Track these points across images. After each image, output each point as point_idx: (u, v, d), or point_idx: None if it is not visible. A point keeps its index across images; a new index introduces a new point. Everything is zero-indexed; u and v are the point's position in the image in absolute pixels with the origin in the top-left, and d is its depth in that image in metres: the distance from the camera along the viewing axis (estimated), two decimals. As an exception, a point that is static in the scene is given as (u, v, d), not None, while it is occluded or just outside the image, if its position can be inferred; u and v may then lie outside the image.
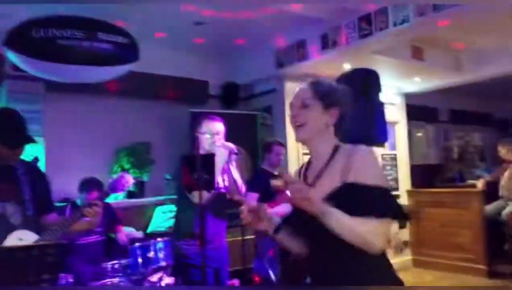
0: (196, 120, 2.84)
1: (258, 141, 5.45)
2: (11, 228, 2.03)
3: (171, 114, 5.32)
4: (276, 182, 4.19)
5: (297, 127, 1.51)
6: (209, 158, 2.27)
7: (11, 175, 2.11)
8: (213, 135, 2.70)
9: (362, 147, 1.48)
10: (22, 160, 2.22)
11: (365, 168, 1.42)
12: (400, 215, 1.44)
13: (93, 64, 3.57)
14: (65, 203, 3.99)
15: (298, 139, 1.54)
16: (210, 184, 2.28)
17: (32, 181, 2.15)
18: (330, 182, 1.44)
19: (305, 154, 5.48)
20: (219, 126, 2.76)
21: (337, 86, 1.61)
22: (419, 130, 8.08)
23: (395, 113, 6.35)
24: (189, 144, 4.86)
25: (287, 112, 5.33)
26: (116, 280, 3.31)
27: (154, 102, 5.28)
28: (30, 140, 2.15)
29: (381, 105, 3.88)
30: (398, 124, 6.48)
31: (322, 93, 1.53)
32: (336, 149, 1.53)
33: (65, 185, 4.43)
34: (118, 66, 3.68)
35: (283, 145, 4.07)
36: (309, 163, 1.61)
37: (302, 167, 1.64)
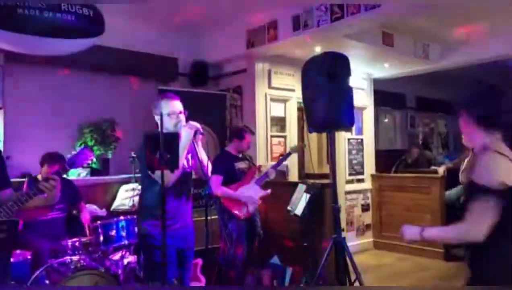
0: (155, 101, 2.75)
1: (226, 122, 5.42)
2: None
3: (138, 91, 5.19)
4: (241, 165, 4.21)
5: (466, 142, 1.88)
6: (173, 137, 2.22)
7: None
8: (177, 115, 2.64)
9: (488, 151, 1.71)
10: None
11: (480, 169, 1.68)
12: None
13: (55, 36, 3.41)
14: (24, 179, 3.86)
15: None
16: (173, 163, 2.23)
17: None
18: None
19: (273, 136, 5.50)
20: (180, 105, 2.70)
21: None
22: (386, 115, 8.24)
23: (363, 98, 6.43)
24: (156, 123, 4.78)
25: (257, 92, 5.34)
26: (76, 257, 3.25)
27: (121, 78, 5.14)
28: None
29: (349, 89, 3.91)
30: (366, 109, 6.58)
31: (477, 114, 1.80)
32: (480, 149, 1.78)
33: (25, 160, 4.29)
34: (81, 39, 3.53)
35: (254, 133, 4.10)
36: None
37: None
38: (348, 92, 3.90)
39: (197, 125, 2.64)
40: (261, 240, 4.21)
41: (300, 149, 4.61)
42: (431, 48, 5.68)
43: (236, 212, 3.72)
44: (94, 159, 4.61)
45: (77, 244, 3.42)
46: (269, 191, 3.93)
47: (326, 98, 3.79)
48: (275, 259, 4.50)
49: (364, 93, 6.46)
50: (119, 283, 3.19)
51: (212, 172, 3.13)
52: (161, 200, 2.17)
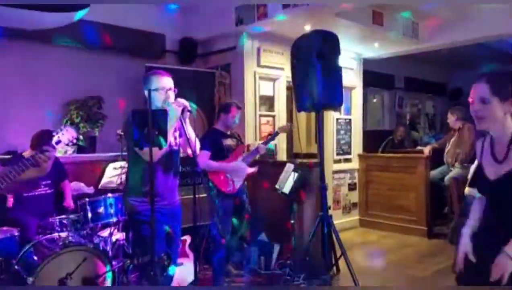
0: (144, 77, 2.73)
1: (215, 100, 5.39)
2: None
3: (126, 68, 5.12)
4: (229, 142, 4.21)
5: (477, 118, 1.79)
6: (161, 114, 2.21)
7: None
8: (166, 91, 2.63)
9: None
10: None
11: None
12: None
13: (39, 10, 3.33)
14: (9, 156, 3.83)
15: (479, 128, 1.81)
16: (161, 140, 2.23)
17: None
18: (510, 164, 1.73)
19: (261, 115, 5.50)
20: (170, 82, 2.68)
21: (509, 78, 1.81)
22: (375, 96, 8.28)
23: (352, 78, 6.44)
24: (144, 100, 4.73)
25: (246, 71, 5.31)
26: (64, 234, 3.26)
27: (108, 55, 5.06)
28: None
29: (338, 69, 3.91)
30: (355, 89, 6.59)
31: (499, 88, 1.75)
32: None
33: (9, 138, 4.24)
34: (67, 12, 3.46)
35: (240, 108, 4.07)
36: (492, 139, 1.87)
37: (485, 139, 1.90)
38: (337, 72, 3.91)
39: (185, 102, 2.62)
40: (250, 217, 4.25)
41: (289, 129, 4.62)
42: (421, 28, 5.68)
43: (223, 188, 3.74)
44: (81, 137, 4.57)
45: (65, 221, 3.43)
46: (256, 169, 3.94)
47: (315, 77, 3.80)
48: (262, 236, 4.57)
49: (353, 73, 6.46)
50: (108, 259, 3.21)
51: (200, 148, 3.14)
52: (150, 177, 2.17)
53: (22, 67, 4.51)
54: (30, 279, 2.81)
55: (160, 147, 2.29)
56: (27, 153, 3.69)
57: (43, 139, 3.61)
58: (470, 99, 1.82)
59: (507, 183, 1.74)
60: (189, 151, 2.72)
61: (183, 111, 2.61)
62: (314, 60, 3.82)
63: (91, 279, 3.07)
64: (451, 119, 5.74)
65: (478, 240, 1.87)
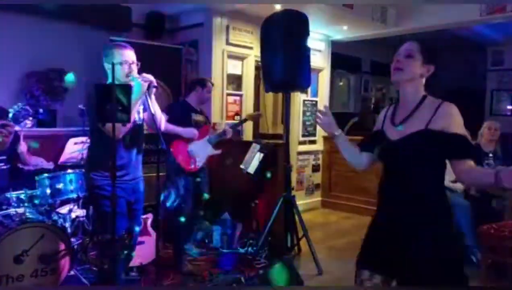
0: (106, 49, 2.63)
1: (181, 77, 5.29)
2: None
3: (89, 40, 4.92)
4: (198, 117, 4.16)
5: (396, 70, 1.81)
6: (125, 89, 2.15)
7: None
8: (129, 65, 2.55)
9: (449, 103, 1.76)
10: None
11: (452, 119, 1.71)
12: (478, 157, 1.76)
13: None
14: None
15: (393, 80, 1.84)
16: (125, 116, 2.17)
17: None
18: (413, 126, 1.76)
19: (228, 94, 5.45)
20: (133, 55, 2.60)
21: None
22: (341, 78, 8.36)
23: (320, 60, 6.46)
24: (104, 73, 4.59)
25: (214, 48, 5.22)
26: (21, 210, 3.15)
27: (71, 26, 4.83)
28: None
29: (307, 50, 3.92)
30: (322, 71, 6.63)
31: (426, 49, 1.82)
32: (424, 99, 1.80)
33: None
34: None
35: (213, 84, 4.03)
36: (396, 107, 1.91)
37: (389, 108, 1.96)
38: (305, 53, 3.92)
39: (151, 77, 2.56)
40: (212, 197, 4.25)
41: (257, 118, 4.59)
42: (389, 13, 5.75)
43: (185, 166, 3.70)
44: (41, 110, 4.40)
45: (22, 196, 3.32)
46: (219, 151, 3.91)
47: (283, 58, 3.79)
48: (226, 215, 4.59)
49: (321, 55, 6.48)
50: (67, 236, 3.14)
51: (168, 120, 3.06)
52: (112, 153, 2.12)
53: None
54: (-17, 256, 2.71)
55: (124, 123, 2.23)
56: None
57: None
58: (396, 57, 1.85)
59: (409, 145, 1.75)
60: (154, 128, 2.67)
61: (149, 86, 2.55)
62: (283, 40, 3.81)
63: (48, 257, 2.99)
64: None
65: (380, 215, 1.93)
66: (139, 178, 2.81)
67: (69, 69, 4.71)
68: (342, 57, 7.45)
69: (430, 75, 1.83)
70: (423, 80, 1.83)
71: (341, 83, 8.41)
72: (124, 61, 2.52)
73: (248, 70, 5.63)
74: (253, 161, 4.14)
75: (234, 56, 5.46)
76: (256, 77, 5.78)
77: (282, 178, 4.17)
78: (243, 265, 3.88)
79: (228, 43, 5.32)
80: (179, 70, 5.26)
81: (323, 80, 6.70)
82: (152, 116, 2.55)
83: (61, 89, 4.63)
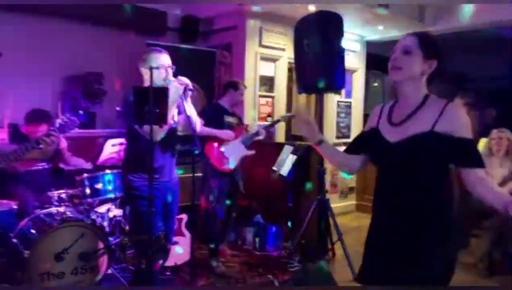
0: (143, 54, 2.69)
1: (215, 79, 5.34)
2: None
3: (126, 44, 5.05)
4: (231, 119, 4.16)
5: (394, 69, 1.65)
6: (162, 92, 2.19)
7: None
8: (166, 69, 2.60)
9: (455, 103, 1.62)
10: None
11: (460, 122, 1.56)
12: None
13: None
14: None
15: (391, 79, 1.67)
16: (162, 119, 2.21)
17: None
18: (417, 127, 1.59)
19: (261, 96, 5.46)
20: (168, 59, 2.65)
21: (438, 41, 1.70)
22: (376, 79, 8.21)
23: (354, 60, 6.38)
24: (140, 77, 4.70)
25: (247, 51, 5.24)
26: (62, 209, 3.26)
27: (108, 30, 4.98)
28: None
29: (341, 51, 3.87)
30: (357, 72, 6.54)
31: (426, 43, 1.64)
32: (426, 98, 1.64)
33: (8, 109, 4.21)
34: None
35: (246, 87, 4.06)
36: (394, 105, 1.75)
37: (384, 106, 1.79)
38: (340, 54, 3.86)
39: (187, 81, 2.60)
40: (245, 199, 4.26)
41: (290, 120, 4.54)
42: (427, 12, 5.60)
43: (218, 166, 3.73)
44: (81, 112, 4.53)
45: (63, 195, 3.43)
46: (253, 152, 3.92)
47: (317, 59, 3.76)
48: (259, 218, 4.59)
49: (355, 55, 6.40)
50: (105, 235, 3.22)
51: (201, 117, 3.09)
52: (149, 154, 2.16)
53: (23, 40, 4.44)
54: (26, 253, 2.82)
55: (161, 125, 2.27)
56: (29, 132, 3.66)
57: (39, 118, 3.59)
58: (393, 53, 1.67)
59: (411, 148, 1.58)
60: (190, 131, 2.71)
61: (184, 89, 2.59)
62: (317, 41, 3.78)
63: (88, 255, 3.08)
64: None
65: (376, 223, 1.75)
66: (174, 179, 2.86)
67: (107, 72, 4.85)
68: (377, 58, 7.31)
69: (434, 71, 1.65)
70: (425, 78, 1.66)
71: (375, 84, 8.25)
72: (161, 65, 2.57)
73: (280, 71, 5.63)
74: (285, 163, 4.12)
75: (267, 58, 5.46)
76: (289, 79, 5.76)
77: (316, 181, 4.13)
78: (276, 268, 3.87)
79: (261, 45, 5.33)
80: (213, 73, 5.31)
81: (358, 81, 6.61)
82: (188, 119, 2.58)
83: (99, 91, 4.77)
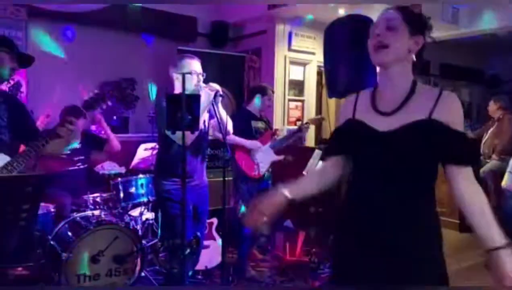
0: (175, 60, 2.75)
1: (244, 84, 5.38)
2: None
3: (157, 50, 5.17)
4: (259, 124, 4.14)
5: (379, 48, 1.44)
6: (194, 98, 2.23)
7: None
8: (197, 75, 2.64)
9: (450, 92, 1.44)
10: (1, 90, 2.17)
11: (458, 113, 1.40)
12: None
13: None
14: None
15: (377, 62, 1.48)
16: (194, 124, 2.25)
17: (9, 110, 2.12)
18: (412, 115, 1.39)
19: (290, 100, 5.46)
20: (198, 66, 2.70)
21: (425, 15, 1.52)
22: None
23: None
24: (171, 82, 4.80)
25: (277, 55, 5.25)
26: (97, 212, 3.35)
27: (140, 37, 5.11)
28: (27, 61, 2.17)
29: (373, 54, 3.81)
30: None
31: (411, 17, 1.46)
32: (415, 84, 1.47)
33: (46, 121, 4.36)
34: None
35: (273, 92, 4.05)
36: (375, 91, 1.54)
37: (359, 95, 1.58)
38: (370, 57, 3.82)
39: (217, 87, 2.64)
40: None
41: (319, 122, 4.51)
42: (461, 13, 5.45)
43: (248, 171, 3.74)
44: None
45: (98, 199, 3.53)
46: (282, 157, 3.91)
47: (348, 63, 3.72)
48: (288, 223, 4.57)
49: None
50: (138, 238, 3.29)
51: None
52: (182, 160, 2.20)
53: (59, 48, 4.61)
54: (64, 255, 2.91)
55: (193, 131, 2.31)
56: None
57: (71, 113, 3.70)
58: (374, 30, 1.47)
59: (406, 137, 1.38)
60: (220, 135, 2.74)
61: (215, 95, 2.63)
62: (348, 45, 3.74)
63: (122, 257, 3.15)
64: (493, 107, 5.47)
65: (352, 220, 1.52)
66: (204, 183, 2.89)
67: (139, 77, 4.97)
68: (409, 60, 7.17)
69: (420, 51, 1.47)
70: (412, 58, 1.47)
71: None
72: (193, 71, 2.61)
73: (310, 75, 5.61)
74: (316, 167, 4.09)
75: (296, 62, 5.46)
76: (318, 82, 5.73)
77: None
78: (307, 273, 3.85)
79: (290, 49, 5.33)
80: (242, 77, 5.35)
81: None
82: (219, 124, 2.61)
83: (132, 97, 4.89)
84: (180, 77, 2.39)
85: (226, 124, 2.79)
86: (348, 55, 3.72)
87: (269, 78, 5.22)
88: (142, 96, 4.94)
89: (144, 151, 4.40)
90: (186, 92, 2.28)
